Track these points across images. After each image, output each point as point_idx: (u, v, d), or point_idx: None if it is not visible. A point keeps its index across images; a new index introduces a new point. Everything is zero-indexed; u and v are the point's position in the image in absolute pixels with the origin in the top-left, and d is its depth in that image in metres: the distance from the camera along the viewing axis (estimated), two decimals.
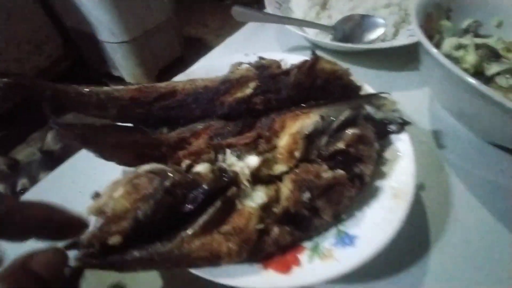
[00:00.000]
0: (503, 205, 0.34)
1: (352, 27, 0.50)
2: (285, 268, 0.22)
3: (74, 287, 0.19)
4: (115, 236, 0.19)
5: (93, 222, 0.20)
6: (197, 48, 1.70)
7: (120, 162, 0.27)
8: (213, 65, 0.39)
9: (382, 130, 0.31)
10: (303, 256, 0.23)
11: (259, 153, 0.27)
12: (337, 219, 0.26)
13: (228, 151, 0.27)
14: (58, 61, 1.31)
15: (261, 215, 0.23)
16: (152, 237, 0.20)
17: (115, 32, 1.29)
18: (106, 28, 1.26)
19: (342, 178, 0.25)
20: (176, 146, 0.30)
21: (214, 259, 0.21)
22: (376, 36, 0.49)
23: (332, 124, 0.29)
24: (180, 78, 0.37)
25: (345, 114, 0.28)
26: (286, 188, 0.24)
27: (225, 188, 0.23)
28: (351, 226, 0.25)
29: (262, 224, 0.23)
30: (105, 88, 0.30)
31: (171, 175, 0.21)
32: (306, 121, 0.28)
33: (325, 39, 0.49)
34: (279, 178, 0.27)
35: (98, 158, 0.25)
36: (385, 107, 0.31)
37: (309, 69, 0.33)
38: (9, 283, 0.15)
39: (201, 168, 0.24)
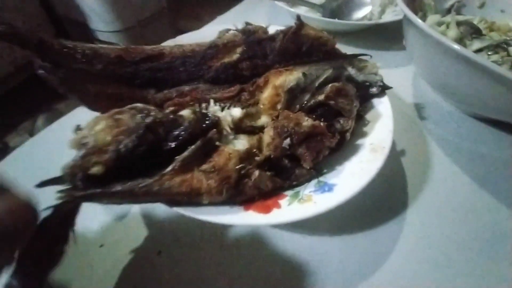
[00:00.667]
0: (481, 170, 0.35)
1: (339, 6, 0.51)
2: (266, 210, 0.22)
3: (69, 224, 0.19)
4: (97, 166, 0.20)
5: (75, 155, 0.20)
6: None
7: (104, 112, 0.27)
8: (201, 33, 0.39)
9: (364, 92, 0.32)
10: (283, 201, 0.24)
11: (242, 106, 0.27)
12: (316, 168, 0.27)
13: (211, 101, 0.27)
14: None
15: (241, 157, 0.24)
16: (134, 174, 0.21)
17: (108, 21, 1.28)
18: (99, 16, 1.26)
19: (321, 127, 0.26)
20: (161, 105, 0.31)
21: (194, 196, 0.22)
22: (362, 14, 0.51)
23: (314, 81, 0.30)
24: (168, 43, 0.38)
25: (327, 72, 0.29)
26: (267, 135, 0.25)
27: (207, 131, 0.23)
28: (330, 177, 0.26)
29: (243, 164, 0.23)
30: (91, 44, 0.30)
31: (153, 113, 0.22)
32: (289, 77, 0.29)
33: (314, 16, 0.50)
34: (261, 130, 0.28)
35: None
36: (366, 70, 0.32)
37: (294, 34, 0.34)
38: None
39: (184, 112, 0.24)
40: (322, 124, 0.26)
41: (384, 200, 0.32)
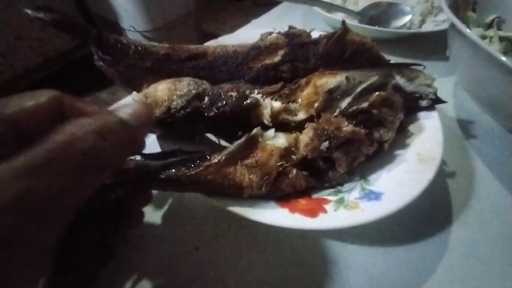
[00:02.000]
0: None
1: (378, 14, 0.51)
2: (312, 214, 0.22)
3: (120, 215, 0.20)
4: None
5: None
6: None
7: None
8: (243, 35, 0.40)
9: (412, 104, 0.31)
10: (329, 206, 0.23)
11: (282, 101, 0.28)
12: (350, 173, 0.27)
13: (255, 91, 0.28)
14: (80, 45, 1.36)
15: (281, 154, 0.25)
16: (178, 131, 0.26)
17: (138, 21, 1.34)
18: (130, 16, 1.31)
19: (360, 134, 0.26)
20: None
21: (236, 189, 0.23)
22: (402, 23, 0.50)
23: (356, 86, 0.29)
24: (211, 44, 0.39)
25: (371, 79, 0.29)
26: (306, 135, 0.26)
27: (248, 114, 0.26)
28: (375, 185, 0.26)
29: (282, 162, 0.24)
30: (142, 42, 0.32)
31: (204, 85, 0.26)
32: (331, 79, 0.29)
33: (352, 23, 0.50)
34: (297, 126, 0.28)
35: None
36: (417, 80, 0.31)
37: (338, 39, 0.34)
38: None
39: (230, 93, 0.27)
40: (361, 130, 0.26)
41: (427, 214, 0.31)
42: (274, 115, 0.27)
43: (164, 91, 0.25)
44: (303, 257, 0.27)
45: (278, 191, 0.24)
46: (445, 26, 0.48)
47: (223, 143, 0.33)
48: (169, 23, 1.43)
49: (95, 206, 0.20)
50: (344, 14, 0.52)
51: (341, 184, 0.27)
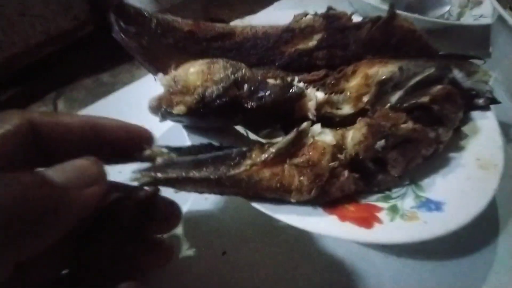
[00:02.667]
0: None
1: (415, 1, 0.46)
2: (366, 224, 0.19)
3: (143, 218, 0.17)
4: (180, 105, 0.20)
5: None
6: None
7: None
8: (272, 17, 0.36)
9: (468, 102, 0.28)
10: (382, 215, 0.20)
11: (325, 92, 0.24)
12: (403, 178, 0.24)
13: (296, 78, 0.24)
14: (82, 24, 1.30)
15: (333, 153, 0.21)
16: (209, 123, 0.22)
17: (143, 2, 1.26)
18: None
19: (422, 133, 0.23)
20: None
21: (283, 192, 0.20)
22: (440, 13, 0.46)
23: (410, 78, 0.26)
24: (236, 23, 0.34)
25: (429, 70, 0.25)
26: (358, 132, 0.22)
27: (291, 104, 0.23)
28: (432, 193, 0.22)
29: (335, 163, 0.21)
30: (166, 16, 0.28)
31: (244, 70, 0.22)
32: (383, 69, 0.25)
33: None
34: (342, 125, 0.24)
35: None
36: (476, 76, 0.28)
37: (385, 24, 0.30)
38: None
39: (271, 79, 0.24)
40: (423, 128, 0.23)
41: (470, 225, 0.27)
42: (317, 107, 0.24)
43: (197, 75, 0.21)
44: (335, 263, 0.24)
45: (327, 196, 0.21)
46: (486, 21, 0.44)
47: (250, 135, 0.29)
48: (175, 5, 1.36)
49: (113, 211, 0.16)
50: None
51: (389, 189, 0.24)
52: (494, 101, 0.29)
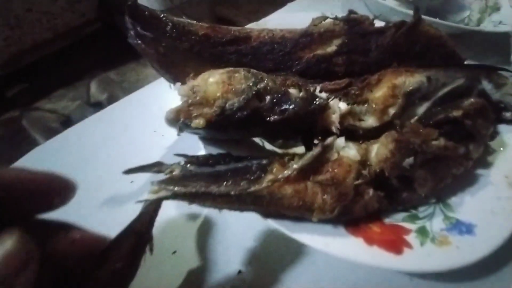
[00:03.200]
0: None
1: (434, 5, 0.44)
2: (395, 249, 0.18)
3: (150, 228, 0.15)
4: (199, 118, 0.19)
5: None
6: None
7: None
8: (289, 19, 0.34)
9: (496, 115, 0.26)
10: (411, 239, 0.19)
11: (348, 102, 0.23)
12: (430, 196, 0.23)
13: (318, 87, 0.23)
14: (89, 21, 1.28)
15: (359, 170, 0.20)
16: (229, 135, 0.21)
17: (150, 0, 1.25)
18: None
19: (454, 150, 0.21)
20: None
21: (304, 210, 0.19)
22: (460, 18, 0.44)
23: (438, 89, 0.24)
24: (252, 26, 0.33)
25: (458, 81, 0.24)
26: (384, 147, 0.21)
27: (314, 117, 0.21)
28: (462, 213, 0.21)
29: (360, 180, 0.20)
30: (181, 19, 0.26)
31: (266, 80, 0.21)
32: (410, 78, 0.24)
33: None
34: (366, 138, 0.23)
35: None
36: (504, 88, 0.26)
37: (410, 30, 0.28)
38: None
39: (293, 90, 0.22)
40: (456, 146, 0.21)
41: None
42: (340, 120, 0.22)
43: (217, 86, 0.20)
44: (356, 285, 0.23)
45: (350, 214, 0.19)
46: (506, 28, 0.42)
47: (266, 144, 0.28)
48: (183, 3, 1.34)
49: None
50: (397, 1, 0.46)
51: (415, 207, 0.22)
52: None
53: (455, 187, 0.23)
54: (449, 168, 0.21)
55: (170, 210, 0.25)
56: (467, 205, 0.22)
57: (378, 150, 0.21)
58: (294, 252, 0.23)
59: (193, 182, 0.17)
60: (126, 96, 0.34)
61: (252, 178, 0.18)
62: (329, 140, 0.20)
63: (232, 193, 0.17)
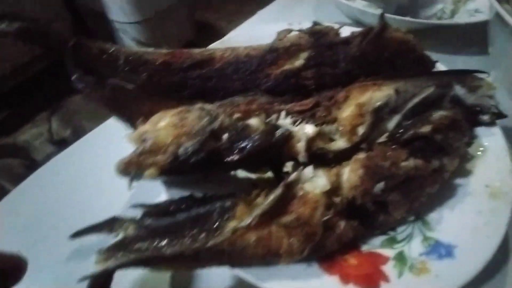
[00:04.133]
0: None
1: (405, 1, 0.43)
2: (371, 283, 0.17)
3: None
4: (151, 168, 0.18)
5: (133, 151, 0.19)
6: (208, 33, 1.63)
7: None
8: (254, 32, 0.33)
9: (472, 119, 0.25)
10: (389, 269, 0.18)
11: (316, 123, 0.22)
12: (406, 218, 0.22)
13: (282, 113, 0.22)
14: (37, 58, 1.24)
15: (327, 203, 0.19)
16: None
17: (127, 12, 1.23)
18: (119, 7, 1.20)
19: (425, 170, 0.20)
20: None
21: (271, 257, 0.18)
22: (432, 12, 0.43)
23: (408, 101, 0.23)
24: (216, 46, 0.32)
25: (428, 90, 0.23)
26: (353, 173, 0.20)
27: (277, 151, 0.20)
28: (442, 232, 0.20)
29: (328, 215, 0.19)
30: (134, 49, 0.25)
31: (221, 117, 0.20)
32: (377, 93, 0.23)
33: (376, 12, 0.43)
34: (336, 160, 0.22)
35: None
36: (480, 91, 0.25)
37: (376, 37, 0.27)
38: None
39: (253, 121, 0.21)
40: (427, 165, 0.20)
41: None
42: (308, 144, 0.21)
43: (168, 130, 0.19)
44: None
45: (322, 251, 0.18)
46: (481, 17, 0.41)
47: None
48: (159, 12, 1.32)
49: None
50: (366, 1, 0.45)
51: (393, 228, 0.21)
52: (500, 115, 0.26)
53: (433, 202, 0.22)
54: (422, 188, 0.20)
55: None
56: (446, 221, 0.21)
57: (348, 176, 0.20)
58: None
59: (148, 241, 0.16)
60: (91, 131, 0.32)
61: (213, 227, 0.16)
62: (292, 176, 0.18)
63: (187, 253, 0.16)
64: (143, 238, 0.16)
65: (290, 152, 0.20)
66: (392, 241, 0.20)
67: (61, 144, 0.30)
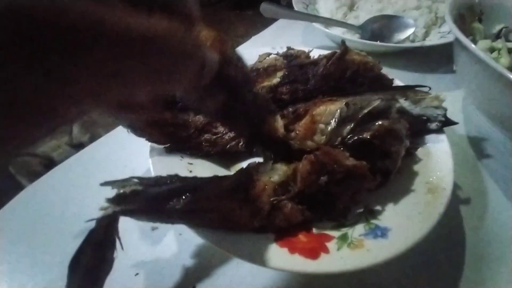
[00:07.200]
0: None
1: (380, 27, 0.50)
2: (313, 255, 0.21)
3: (113, 232, 0.21)
4: None
5: None
6: None
7: (149, 139, 0.28)
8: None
9: (419, 127, 0.30)
10: (332, 245, 0.22)
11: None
12: (354, 208, 0.26)
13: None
14: None
15: (275, 189, 0.24)
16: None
17: None
18: None
19: (362, 169, 0.24)
20: (202, 129, 0.31)
21: (226, 224, 0.22)
22: (405, 36, 0.49)
23: (359, 112, 0.28)
24: None
25: (374, 103, 0.28)
26: (303, 168, 0.25)
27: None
28: (382, 219, 0.24)
29: (276, 197, 0.23)
30: None
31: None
32: (330, 106, 0.28)
33: (353, 38, 0.49)
34: (299, 158, 0.27)
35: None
36: (423, 103, 0.30)
37: (338, 59, 0.33)
38: None
39: None
40: (364, 164, 0.24)
41: (439, 240, 0.28)
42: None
43: None
44: None
45: (272, 226, 0.23)
46: (450, 38, 0.46)
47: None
48: None
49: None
50: (345, 29, 0.51)
51: (345, 216, 0.25)
52: (448, 123, 0.31)
53: (381, 196, 0.26)
54: (361, 184, 0.24)
55: (134, 238, 0.29)
56: (388, 211, 0.25)
57: (301, 170, 0.25)
58: (249, 269, 0.26)
59: (138, 199, 0.21)
60: (106, 134, 0.38)
61: (184, 197, 0.21)
62: (249, 165, 0.24)
63: (162, 210, 0.21)
64: (136, 196, 0.21)
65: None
66: (340, 226, 0.24)
67: (79, 147, 0.36)
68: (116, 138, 0.38)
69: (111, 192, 0.21)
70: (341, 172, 0.23)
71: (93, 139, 0.39)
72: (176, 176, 0.23)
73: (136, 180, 0.21)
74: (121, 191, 0.21)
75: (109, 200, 0.20)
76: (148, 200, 0.21)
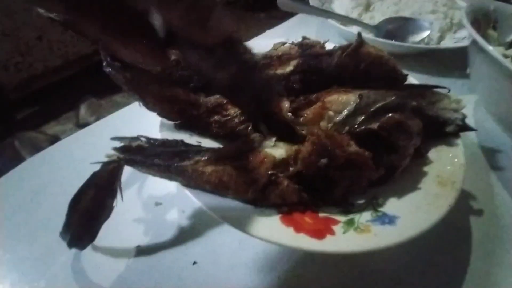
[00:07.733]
0: None
1: (395, 28, 0.50)
2: (319, 235, 0.21)
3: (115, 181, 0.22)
4: None
5: None
6: None
7: (160, 113, 0.28)
8: (257, 45, 0.39)
9: (435, 129, 0.29)
10: (338, 228, 0.22)
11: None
12: (346, 197, 0.26)
13: None
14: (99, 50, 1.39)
15: (275, 164, 0.24)
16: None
17: None
18: None
19: (364, 157, 0.24)
20: (213, 110, 0.31)
21: (221, 188, 0.23)
22: (420, 38, 0.49)
23: (371, 105, 0.28)
24: None
25: (388, 99, 0.27)
26: (305, 149, 0.24)
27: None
28: (389, 208, 0.24)
29: (274, 171, 0.23)
30: None
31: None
32: (342, 96, 0.28)
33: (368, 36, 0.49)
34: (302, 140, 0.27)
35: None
36: (441, 104, 0.29)
37: (353, 51, 0.33)
38: None
39: None
40: (367, 153, 0.24)
41: (444, 245, 0.28)
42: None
43: None
44: (308, 281, 0.25)
45: (266, 200, 0.23)
46: (464, 43, 0.47)
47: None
48: None
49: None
50: (360, 27, 0.51)
51: (352, 205, 0.25)
52: (465, 128, 0.30)
53: (389, 188, 0.26)
54: (361, 173, 0.24)
55: (137, 211, 0.29)
56: (397, 201, 0.25)
57: (302, 151, 0.24)
58: (250, 244, 0.26)
59: (143, 153, 0.22)
60: (111, 114, 0.39)
61: (184, 158, 0.23)
62: (252, 136, 0.24)
63: (162, 164, 0.22)
64: (140, 151, 0.23)
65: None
66: (347, 212, 0.24)
67: (85, 127, 0.36)
68: (122, 117, 0.39)
69: None
70: (342, 157, 0.23)
71: (100, 119, 0.39)
72: (182, 141, 0.25)
73: (144, 138, 0.22)
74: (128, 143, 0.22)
75: (116, 149, 0.21)
76: (151, 155, 0.22)
